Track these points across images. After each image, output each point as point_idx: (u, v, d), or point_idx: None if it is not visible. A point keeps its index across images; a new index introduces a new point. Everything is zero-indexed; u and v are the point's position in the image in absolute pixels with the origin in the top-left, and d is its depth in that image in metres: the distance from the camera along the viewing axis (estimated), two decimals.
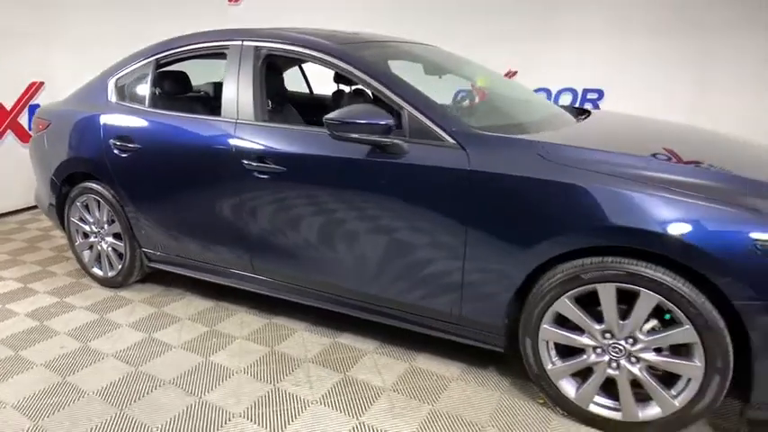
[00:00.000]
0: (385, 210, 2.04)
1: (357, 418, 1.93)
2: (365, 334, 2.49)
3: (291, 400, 2.04)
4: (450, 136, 1.93)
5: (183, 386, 2.14)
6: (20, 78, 4.64)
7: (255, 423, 1.91)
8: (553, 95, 6.06)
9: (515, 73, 6.14)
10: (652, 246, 1.61)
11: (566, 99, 6.02)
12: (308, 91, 3.86)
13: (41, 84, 4.74)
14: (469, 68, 2.98)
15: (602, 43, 5.54)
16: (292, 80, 3.90)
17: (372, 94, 2.16)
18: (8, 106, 4.56)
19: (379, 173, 2.02)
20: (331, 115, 1.97)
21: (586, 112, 2.78)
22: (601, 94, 5.81)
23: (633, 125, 2.55)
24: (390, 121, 1.93)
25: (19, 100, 4.62)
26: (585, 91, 5.89)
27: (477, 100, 3.01)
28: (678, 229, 1.56)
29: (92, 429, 1.89)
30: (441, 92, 2.89)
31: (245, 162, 2.31)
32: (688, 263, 1.57)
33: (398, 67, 2.50)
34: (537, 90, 6.10)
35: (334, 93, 3.34)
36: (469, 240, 1.89)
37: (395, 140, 1.96)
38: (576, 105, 5.96)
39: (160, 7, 5.44)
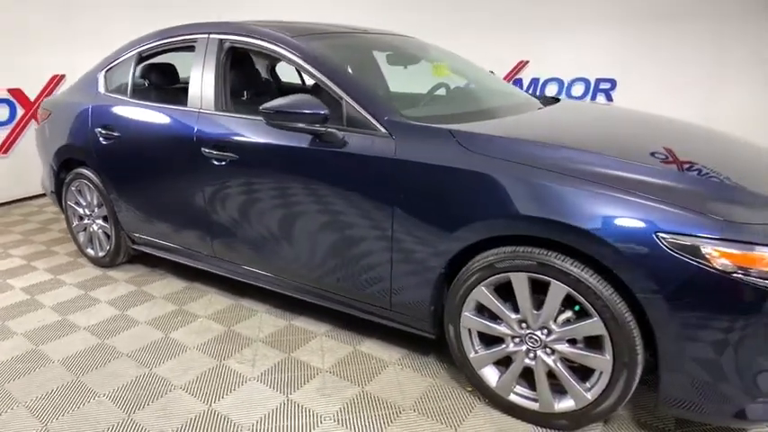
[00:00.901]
0: (323, 197, 2.10)
1: (287, 396, 2.01)
2: (320, 318, 2.56)
3: (232, 375, 2.14)
4: (381, 125, 1.96)
5: (139, 358, 2.28)
6: (43, 71, 4.96)
7: (192, 395, 2.03)
8: (566, 85, 5.92)
9: (527, 63, 6.03)
10: (558, 236, 1.59)
11: (578, 89, 5.87)
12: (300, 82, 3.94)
13: (63, 76, 5.04)
14: (439, 58, 2.97)
15: (616, 32, 5.36)
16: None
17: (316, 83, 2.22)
18: (32, 97, 4.88)
19: (316, 161, 2.08)
20: (267, 105, 2.04)
21: (556, 101, 2.74)
22: (614, 83, 5.62)
23: (595, 116, 2.50)
24: (323, 111, 1.98)
25: (42, 91, 4.94)
26: (598, 81, 5.71)
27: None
28: (583, 221, 1.54)
29: (47, 393, 2.06)
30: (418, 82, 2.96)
31: (205, 150, 2.42)
32: (593, 254, 1.55)
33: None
34: (549, 80, 5.99)
35: (314, 84, 3.40)
36: (395, 228, 1.92)
37: (329, 129, 2.01)
38: (589, 95, 5.81)
39: (178, 3, 5.65)
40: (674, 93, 5.12)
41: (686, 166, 1.77)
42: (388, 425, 1.84)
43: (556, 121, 2.31)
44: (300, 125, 2.02)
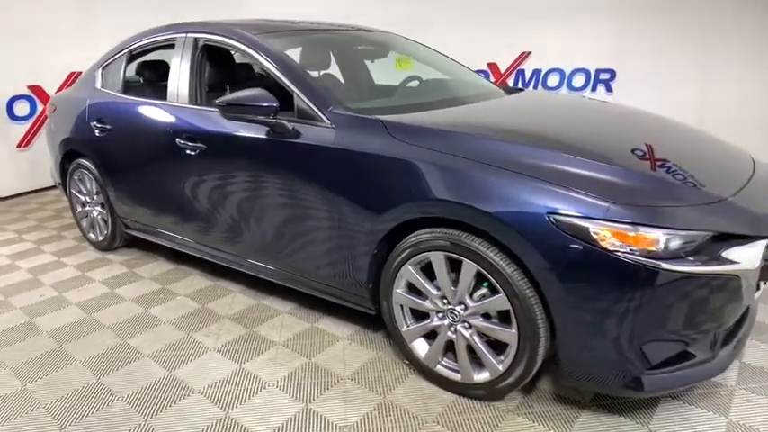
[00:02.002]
0: (277, 184, 2.27)
1: (240, 364, 2.20)
2: (287, 298, 2.75)
3: (195, 346, 2.35)
4: (325, 117, 2.12)
5: (117, 330, 2.52)
6: (62, 68, 5.30)
7: (157, 362, 2.24)
8: (567, 76, 5.92)
9: (529, 54, 6.04)
10: (467, 218, 1.72)
11: (579, 80, 5.86)
12: None
13: (80, 73, 5.34)
14: (408, 52, 3.09)
15: (615, 23, 5.36)
16: None
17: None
18: (51, 93, 5.23)
19: (269, 150, 2.26)
20: (221, 98, 2.22)
21: (520, 91, 2.85)
22: (613, 74, 5.59)
23: (542, 106, 2.60)
24: (272, 104, 2.14)
25: (60, 88, 5.27)
26: (598, 71, 5.69)
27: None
28: (486, 203, 1.66)
29: (32, 358, 2.31)
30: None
31: (179, 141, 2.63)
32: (495, 234, 1.67)
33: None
34: (551, 71, 6.00)
35: None
36: (336, 211, 2.07)
37: (278, 120, 2.18)
38: (589, 86, 5.80)
39: (189, 3, 5.89)
40: (671, 83, 5.08)
41: (603, 153, 1.85)
42: (324, 391, 2.01)
43: (496, 111, 2.40)
44: (252, 117, 2.20)
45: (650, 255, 1.51)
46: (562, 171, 1.66)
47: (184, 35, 2.80)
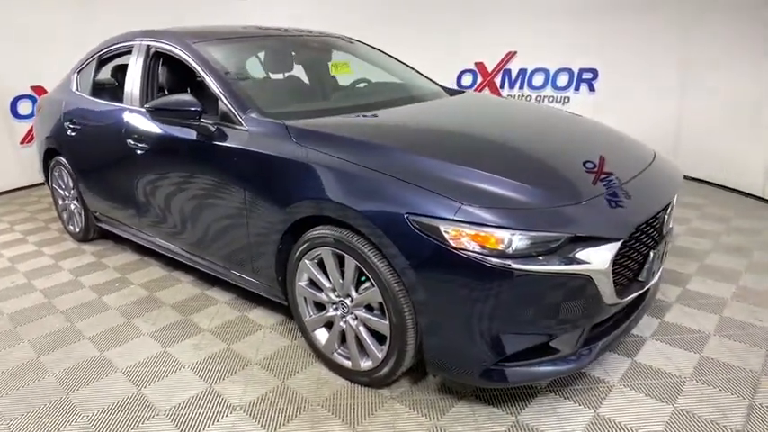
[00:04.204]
0: (202, 182, 2.44)
1: (165, 348, 2.39)
2: (229, 289, 2.93)
3: (132, 331, 2.56)
4: (242, 120, 2.28)
5: (68, 315, 2.75)
6: (63, 69, 5.58)
7: (93, 344, 2.46)
8: (551, 75, 5.92)
9: (515, 53, 6.07)
10: (344, 217, 1.85)
11: (563, 79, 5.86)
12: None
13: None
14: (355, 56, 3.22)
15: (597, 23, 5.33)
16: None
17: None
18: None
19: (195, 150, 2.43)
20: (150, 102, 2.41)
21: (460, 93, 2.99)
22: (595, 73, 5.57)
23: (461, 110, 2.71)
24: (196, 108, 2.31)
25: None
26: (581, 71, 5.68)
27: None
28: (356, 202, 1.79)
29: None
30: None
31: (129, 141, 2.83)
32: (365, 231, 1.80)
33: None
34: (536, 70, 6.01)
35: None
36: (248, 208, 2.23)
37: (201, 123, 2.35)
38: (572, 85, 5.79)
39: (186, 7, 6.14)
40: (653, 82, 5.03)
41: (483, 157, 1.95)
42: (231, 374, 2.18)
43: (411, 115, 2.51)
44: (177, 120, 2.38)
45: (498, 254, 1.62)
46: (427, 175, 1.77)
47: (140, 42, 3.00)
